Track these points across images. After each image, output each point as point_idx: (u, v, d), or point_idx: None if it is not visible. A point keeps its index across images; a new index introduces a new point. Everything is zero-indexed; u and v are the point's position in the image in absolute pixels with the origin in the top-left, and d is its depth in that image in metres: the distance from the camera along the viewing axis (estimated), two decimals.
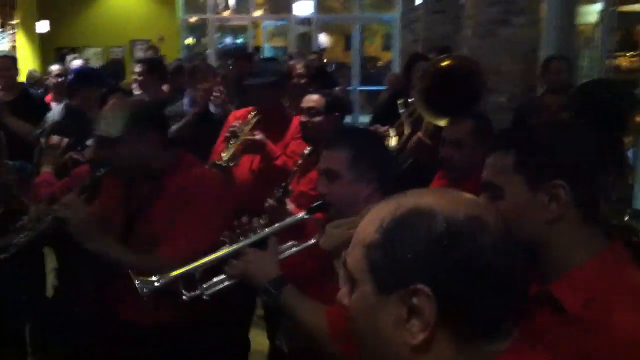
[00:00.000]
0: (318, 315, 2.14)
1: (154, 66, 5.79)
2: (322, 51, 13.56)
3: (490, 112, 5.92)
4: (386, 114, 5.51)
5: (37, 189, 3.63)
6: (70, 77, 5.37)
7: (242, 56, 7.64)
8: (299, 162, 3.64)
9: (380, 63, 19.29)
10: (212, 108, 5.24)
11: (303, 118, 3.91)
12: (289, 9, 16.69)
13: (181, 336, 2.84)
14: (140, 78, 5.75)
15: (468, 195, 1.22)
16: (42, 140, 4.22)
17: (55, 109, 5.07)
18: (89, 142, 3.98)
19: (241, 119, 4.24)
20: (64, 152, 3.91)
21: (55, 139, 3.97)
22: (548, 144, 1.64)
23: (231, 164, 4.00)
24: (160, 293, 2.38)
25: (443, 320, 1.09)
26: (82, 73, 5.33)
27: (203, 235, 2.64)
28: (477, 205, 1.18)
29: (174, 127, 4.93)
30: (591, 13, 7.96)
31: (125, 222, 2.87)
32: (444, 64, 4.29)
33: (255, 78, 4.28)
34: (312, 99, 3.95)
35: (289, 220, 2.50)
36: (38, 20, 15.48)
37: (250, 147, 4.04)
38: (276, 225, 2.46)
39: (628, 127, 3.92)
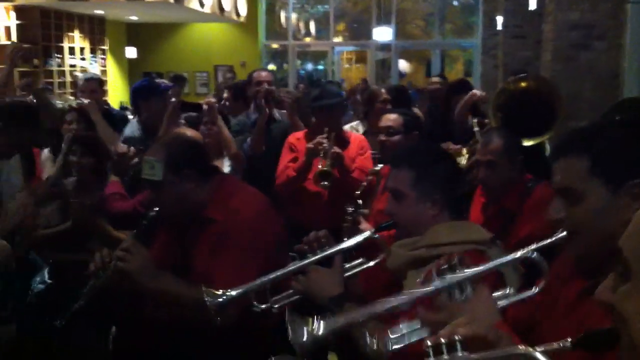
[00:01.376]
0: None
1: (238, 92, 6.03)
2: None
3: None
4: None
5: (110, 203, 3.77)
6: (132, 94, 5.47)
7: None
8: (369, 178, 3.71)
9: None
10: (276, 114, 5.36)
11: (382, 137, 3.99)
12: (368, 35, 16.82)
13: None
14: (227, 104, 6.08)
15: None
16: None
17: (132, 124, 5.22)
18: None
19: (302, 140, 4.41)
20: (132, 160, 4.05)
21: (122, 147, 4.10)
22: (622, 144, 1.63)
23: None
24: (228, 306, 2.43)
25: None
26: (140, 88, 5.38)
27: (249, 268, 2.63)
28: None
29: (248, 140, 5.07)
30: None
31: (178, 265, 2.89)
32: (523, 84, 4.28)
33: (323, 100, 4.42)
34: (390, 118, 4.04)
35: (356, 238, 2.51)
36: (127, 46, 16.14)
37: (336, 159, 4.17)
38: (344, 244, 2.48)
39: None
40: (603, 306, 1.11)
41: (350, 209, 3.51)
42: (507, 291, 1.85)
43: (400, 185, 2.38)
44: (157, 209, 2.86)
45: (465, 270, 1.78)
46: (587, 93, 6.28)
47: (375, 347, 1.71)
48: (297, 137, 4.61)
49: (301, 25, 18.21)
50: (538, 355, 1.23)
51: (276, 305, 2.41)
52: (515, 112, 4.12)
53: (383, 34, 16.33)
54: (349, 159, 4.33)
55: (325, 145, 4.16)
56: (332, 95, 4.53)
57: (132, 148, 4.05)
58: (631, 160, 1.60)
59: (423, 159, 2.45)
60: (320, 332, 1.88)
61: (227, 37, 16.68)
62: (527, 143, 3.88)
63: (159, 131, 4.71)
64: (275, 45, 17.92)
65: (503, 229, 3.21)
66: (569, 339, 1.30)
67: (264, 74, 5.57)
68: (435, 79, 7.54)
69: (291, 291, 2.42)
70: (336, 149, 4.21)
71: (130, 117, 6.22)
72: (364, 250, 2.55)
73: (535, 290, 1.91)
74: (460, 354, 1.35)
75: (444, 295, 1.77)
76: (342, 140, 4.46)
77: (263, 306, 2.40)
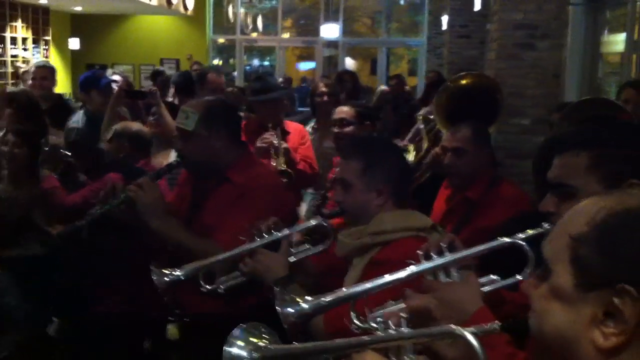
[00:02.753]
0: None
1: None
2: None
3: (514, 134, 6.02)
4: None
5: (57, 197, 3.77)
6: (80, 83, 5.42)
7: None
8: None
9: (406, 88, 19.36)
10: None
11: (335, 129, 4.06)
12: (316, 32, 16.88)
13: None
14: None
15: None
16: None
17: (78, 114, 5.17)
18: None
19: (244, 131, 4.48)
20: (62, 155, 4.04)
21: (53, 139, 4.08)
22: (620, 143, 1.69)
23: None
24: (178, 285, 2.52)
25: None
26: (84, 80, 5.40)
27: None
28: None
29: None
30: (616, 42, 7.99)
31: (187, 213, 3.03)
32: (463, 81, 4.38)
33: (267, 94, 4.47)
34: (343, 110, 4.13)
35: (303, 225, 2.62)
36: (71, 37, 15.84)
37: (285, 155, 4.25)
38: (291, 229, 2.56)
39: None
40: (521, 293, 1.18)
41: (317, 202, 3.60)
42: (492, 277, 1.89)
43: (348, 175, 2.47)
44: (179, 159, 3.00)
45: (451, 254, 1.86)
46: (530, 91, 6.43)
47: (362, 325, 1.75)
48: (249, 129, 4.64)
49: (249, 20, 18.15)
50: (467, 335, 1.28)
51: (222, 287, 2.51)
52: (457, 109, 4.20)
53: (330, 30, 16.42)
54: (292, 150, 4.38)
55: (275, 142, 4.22)
56: (275, 88, 4.60)
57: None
58: (629, 160, 1.63)
59: (371, 150, 2.54)
60: (307, 307, 1.94)
61: (174, 30, 16.54)
62: None
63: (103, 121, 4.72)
64: (222, 40, 17.82)
65: (465, 217, 3.29)
66: (497, 323, 1.40)
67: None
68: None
69: (237, 273, 2.51)
70: (284, 144, 4.27)
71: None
72: (318, 237, 2.63)
73: (520, 277, 1.96)
74: (404, 329, 1.43)
75: (429, 277, 1.84)
76: (283, 132, 4.50)
77: (209, 287, 2.50)
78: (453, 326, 1.32)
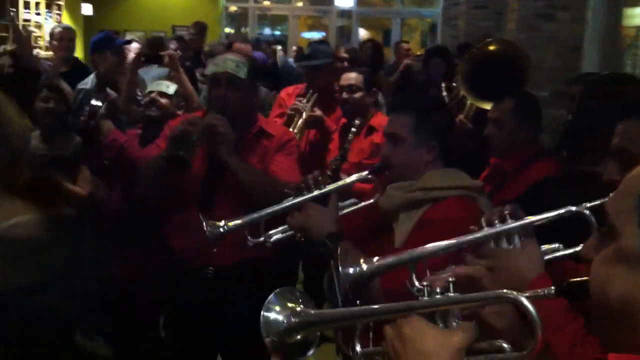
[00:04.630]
0: None
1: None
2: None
3: None
4: None
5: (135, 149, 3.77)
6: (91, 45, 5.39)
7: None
8: (350, 136, 3.84)
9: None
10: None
11: (344, 95, 4.07)
12: (330, 1, 16.72)
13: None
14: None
15: None
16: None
17: (90, 77, 5.16)
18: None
19: (293, 96, 4.45)
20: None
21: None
22: None
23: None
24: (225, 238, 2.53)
25: None
26: (97, 41, 5.36)
27: (297, 174, 3.04)
28: None
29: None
30: (637, 16, 7.86)
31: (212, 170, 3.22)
32: (490, 47, 4.31)
33: (311, 60, 4.46)
34: (351, 77, 4.12)
35: (351, 178, 2.57)
36: (83, 2, 15.73)
37: (313, 123, 4.33)
38: (339, 182, 2.55)
39: None
40: (586, 263, 1.13)
41: (335, 163, 3.63)
42: (555, 245, 1.85)
43: (400, 129, 2.44)
44: (222, 105, 3.09)
45: (514, 221, 1.80)
46: (548, 63, 6.36)
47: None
48: (287, 93, 4.78)
49: None
50: (523, 299, 1.23)
51: (270, 240, 2.48)
52: (482, 75, 4.15)
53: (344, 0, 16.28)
54: (334, 120, 4.45)
55: (300, 107, 4.28)
56: (321, 55, 4.61)
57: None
58: None
59: (424, 105, 2.50)
60: (368, 268, 1.89)
61: None
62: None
63: (114, 84, 4.69)
64: (234, 8, 17.69)
65: (497, 187, 3.28)
66: (552, 287, 1.33)
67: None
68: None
69: (285, 226, 2.47)
70: (315, 112, 4.33)
71: None
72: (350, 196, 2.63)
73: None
74: (451, 294, 1.39)
75: (491, 243, 1.80)
76: (332, 101, 4.54)
77: (256, 240, 2.49)
78: (506, 291, 1.27)
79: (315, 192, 2.43)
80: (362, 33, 17.89)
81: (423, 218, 2.30)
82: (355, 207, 2.52)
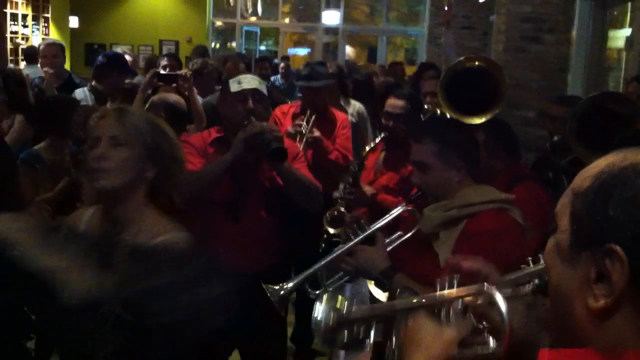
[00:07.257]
0: None
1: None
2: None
3: (519, 126, 6.04)
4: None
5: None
6: (100, 60, 5.27)
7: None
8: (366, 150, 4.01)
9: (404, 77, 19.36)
10: None
11: (390, 122, 3.97)
12: (314, 18, 16.84)
13: None
14: None
15: None
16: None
17: (80, 91, 5.10)
18: None
19: (289, 114, 4.53)
20: None
21: None
22: None
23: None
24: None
25: (632, 291, 0.98)
26: (113, 58, 5.36)
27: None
28: None
29: None
30: (620, 38, 8.01)
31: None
32: (468, 63, 4.35)
33: (310, 81, 4.52)
34: (398, 105, 4.00)
35: (391, 214, 2.71)
36: (70, 15, 15.73)
37: (312, 143, 4.35)
38: (382, 221, 2.68)
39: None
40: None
41: (336, 195, 3.65)
42: None
43: (425, 157, 2.55)
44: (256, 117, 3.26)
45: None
46: (534, 84, 6.49)
47: None
48: (283, 111, 4.77)
49: (249, 4, 18.09)
50: (495, 293, 1.33)
51: (330, 289, 2.63)
52: (458, 89, 4.17)
53: (331, 17, 16.39)
54: (331, 140, 4.49)
55: (302, 129, 4.31)
56: (321, 76, 4.63)
57: None
58: None
59: (442, 130, 2.64)
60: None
61: (173, 12, 16.43)
62: (469, 121, 3.92)
63: (114, 99, 4.73)
64: (220, 23, 17.76)
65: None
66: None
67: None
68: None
69: (341, 273, 2.64)
70: (314, 134, 4.35)
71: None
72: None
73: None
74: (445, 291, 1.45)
75: None
76: (328, 121, 4.59)
77: (317, 292, 2.64)
78: (485, 285, 1.36)
79: (361, 235, 2.58)
80: (348, 50, 18.03)
81: (463, 233, 2.41)
82: (402, 239, 2.62)
